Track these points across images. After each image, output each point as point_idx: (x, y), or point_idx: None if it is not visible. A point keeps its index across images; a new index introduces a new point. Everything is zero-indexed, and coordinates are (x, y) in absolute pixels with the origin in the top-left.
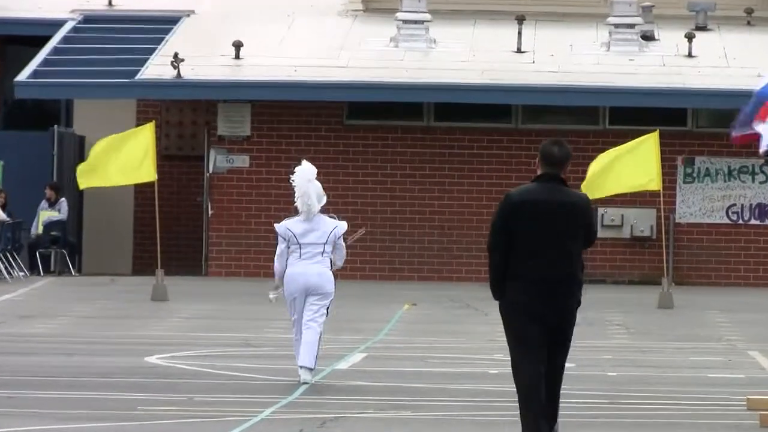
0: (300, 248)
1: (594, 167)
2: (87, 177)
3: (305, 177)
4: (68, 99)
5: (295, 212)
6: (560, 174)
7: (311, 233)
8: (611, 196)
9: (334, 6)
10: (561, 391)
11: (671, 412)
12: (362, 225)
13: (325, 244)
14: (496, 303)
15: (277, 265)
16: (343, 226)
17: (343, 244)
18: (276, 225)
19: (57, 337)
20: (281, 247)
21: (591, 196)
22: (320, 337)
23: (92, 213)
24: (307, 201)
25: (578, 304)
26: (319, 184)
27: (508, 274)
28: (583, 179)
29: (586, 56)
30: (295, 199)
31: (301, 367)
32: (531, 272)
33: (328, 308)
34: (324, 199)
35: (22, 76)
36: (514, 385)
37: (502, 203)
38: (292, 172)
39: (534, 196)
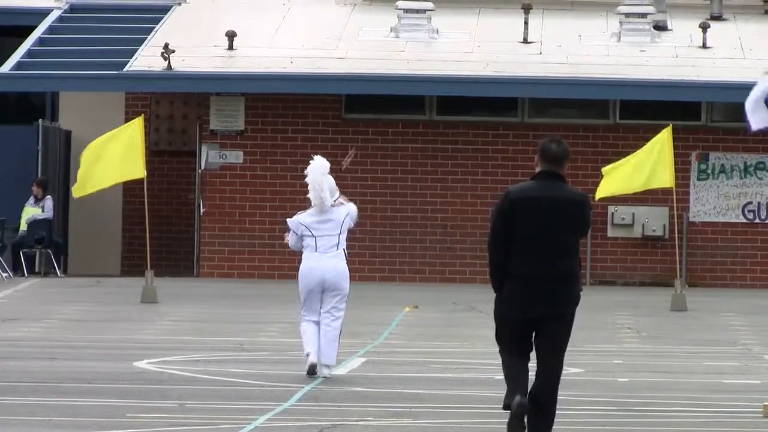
0: (315, 240)
1: (612, 169)
2: (80, 186)
3: (318, 171)
4: (53, 92)
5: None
6: (559, 171)
7: (325, 224)
8: (622, 194)
9: None
10: (567, 398)
11: (684, 420)
12: (362, 223)
13: (339, 234)
14: None
15: (297, 250)
16: (353, 210)
17: (354, 219)
18: (288, 219)
19: (42, 341)
20: (294, 238)
21: (603, 195)
22: (340, 332)
23: (79, 211)
24: (321, 194)
25: (578, 299)
26: (331, 179)
27: (508, 270)
28: (592, 176)
29: (595, 47)
30: (309, 193)
31: (322, 364)
32: (530, 268)
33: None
34: (337, 193)
35: (5, 68)
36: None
37: (501, 200)
38: (289, 168)
39: (533, 193)
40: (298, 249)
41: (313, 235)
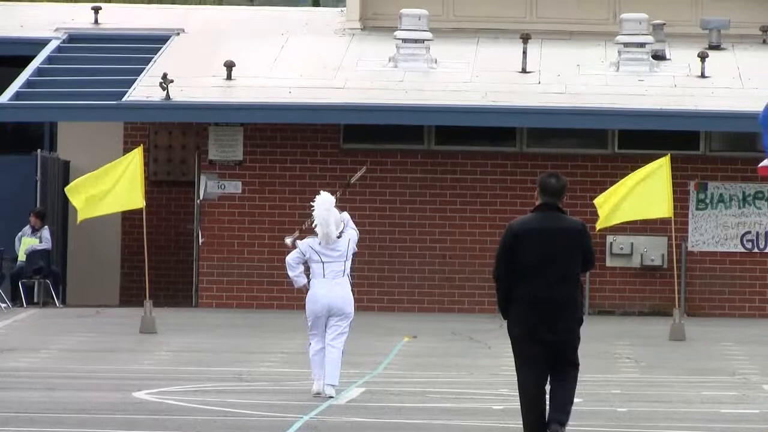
0: (323, 266)
1: (606, 198)
2: (84, 209)
3: (324, 206)
4: (52, 122)
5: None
6: (558, 203)
7: (332, 252)
8: (620, 223)
9: (330, 24)
10: (569, 424)
11: None
12: (361, 253)
13: (345, 261)
14: (500, 336)
15: (291, 272)
16: (354, 237)
17: (355, 242)
18: (298, 242)
19: (40, 371)
20: (295, 255)
21: (603, 225)
22: (342, 354)
23: (77, 241)
24: (326, 229)
25: (579, 322)
26: (337, 212)
27: (513, 297)
28: (591, 205)
29: (594, 76)
30: (315, 227)
31: (326, 384)
32: (532, 295)
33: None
34: (342, 225)
35: (4, 98)
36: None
37: (504, 233)
38: (288, 198)
39: (533, 224)
40: (293, 267)
41: (321, 261)
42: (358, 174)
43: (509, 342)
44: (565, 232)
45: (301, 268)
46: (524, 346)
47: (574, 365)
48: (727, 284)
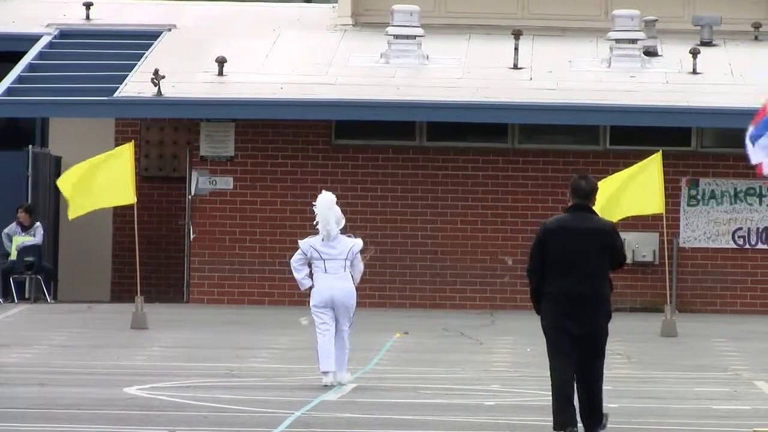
0: (324, 263)
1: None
2: (74, 206)
3: (326, 205)
4: (43, 118)
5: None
6: (588, 204)
7: (333, 250)
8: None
9: (322, 20)
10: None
11: None
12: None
13: (345, 259)
14: (491, 332)
15: (296, 275)
16: (359, 243)
17: (360, 263)
18: (300, 241)
19: (31, 366)
20: (298, 257)
21: None
22: (348, 345)
23: (69, 237)
24: (327, 226)
25: (608, 316)
26: (338, 210)
27: (545, 290)
28: None
29: (585, 73)
30: (317, 224)
31: (329, 372)
32: (561, 289)
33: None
34: (342, 222)
35: None
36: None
37: (538, 231)
38: (279, 194)
39: (564, 223)
40: (298, 270)
41: (322, 258)
42: (367, 255)
43: (501, 338)
44: (593, 232)
45: (306, 270)
46: (555, 338)
47: (600, 357)
48: (718, 280)
